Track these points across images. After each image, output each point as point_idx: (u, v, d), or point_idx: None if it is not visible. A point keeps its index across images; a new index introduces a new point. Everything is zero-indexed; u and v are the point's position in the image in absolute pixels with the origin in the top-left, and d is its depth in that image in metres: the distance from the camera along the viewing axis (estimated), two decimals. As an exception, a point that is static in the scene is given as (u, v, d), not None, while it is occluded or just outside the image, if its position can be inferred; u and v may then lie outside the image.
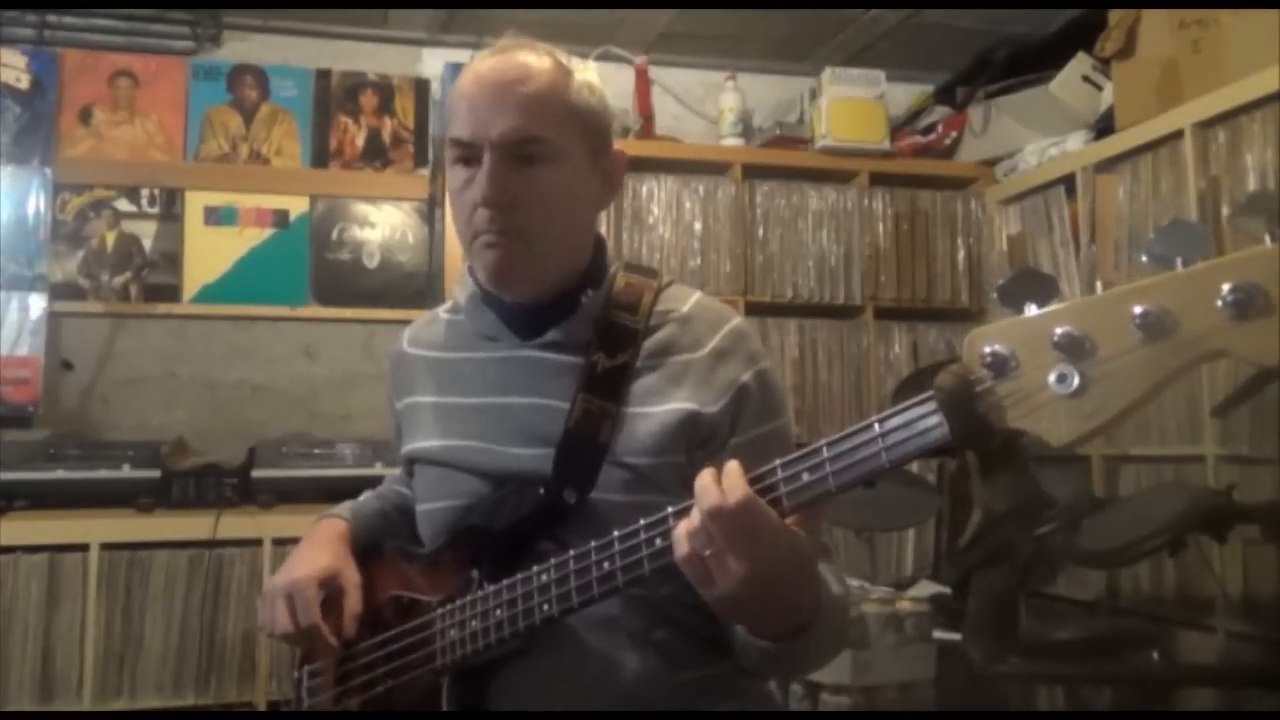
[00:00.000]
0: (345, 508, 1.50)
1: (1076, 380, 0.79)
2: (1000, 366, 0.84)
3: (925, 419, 0.88)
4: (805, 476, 0.96)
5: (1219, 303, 0.74)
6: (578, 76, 1.27)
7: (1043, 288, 0.82)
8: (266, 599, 1.35)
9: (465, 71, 1.27)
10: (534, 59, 1.25)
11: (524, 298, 1.28)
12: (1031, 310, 0.83)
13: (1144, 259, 0.78)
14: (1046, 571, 2.94)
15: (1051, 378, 0.80)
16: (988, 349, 0.84)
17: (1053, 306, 0.82)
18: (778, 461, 0.98)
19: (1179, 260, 0.76)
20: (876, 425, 0.92)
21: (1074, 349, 0.80)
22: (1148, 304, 0.77)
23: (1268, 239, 0.73)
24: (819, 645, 1.12)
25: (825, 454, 0.95)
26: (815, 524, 1.22)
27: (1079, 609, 2.95)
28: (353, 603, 1.34)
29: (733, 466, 0.98)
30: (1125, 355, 0.78)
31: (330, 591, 1.34)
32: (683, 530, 0.99)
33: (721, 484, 0.98)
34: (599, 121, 1.30)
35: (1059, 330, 0.80)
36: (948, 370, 0.87)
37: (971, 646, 2.23)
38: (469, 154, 1.23)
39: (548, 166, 1.24)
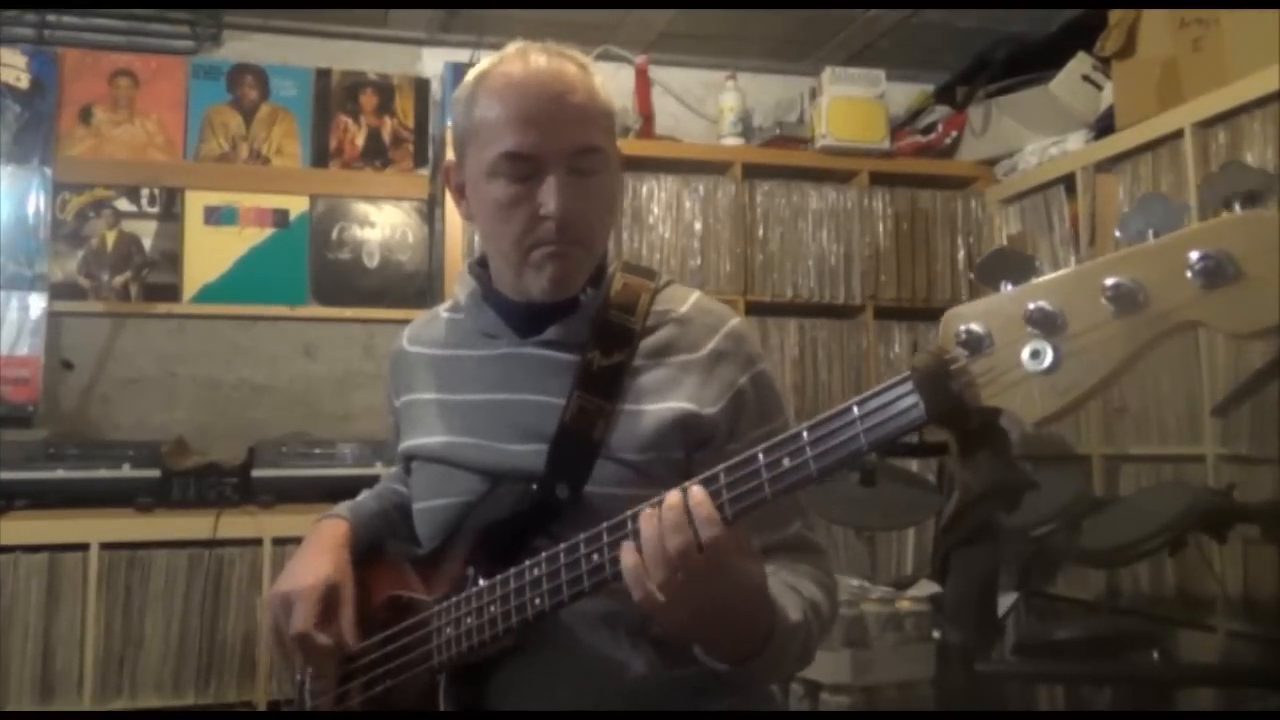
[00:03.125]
0: (345, 508, 1.50)
1: (1050, 356, 0.79)
2: (975, 345, 0.83)
3: (902, 400, 0.88)
4: (786, 462, 0.96)
5: (1188, 273, 0.74)
6: (598, 77, 1.28)
7: (1019, 266, 0.82)
8: (267, 607, 1.36)
9: (492, 80, 1.25)
10: (561, 63, 1.25)
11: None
12: (1007, 288, 0.83)
13: (1118, 234, 0.78)
14: (1046, 571, 2.94)
15: (1025, 354, 0.80)
16: (963, 328, 0.84)
17: (1026, 283, 0.82)
18: (759, 448, 0.98)
19: (1151, 233, 0.76)
20: (855, 408, 0.91)
21: (1047, 324, 0.79)
22: (1118, 276, 0.76)
23: (1237, 206, 0.73)
24: (773, 667, 1.14)
25: (805, 438, 0.95)
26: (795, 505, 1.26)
27: (1079, 609, 2.95)
28: (349, 615, 1.34)
29: (700, 496, 1.00)
30: (1098, 329, 0.77)
31: (330, 602, 1.34)
32: (636, 563, 1.01)
33: (693, 517, 0.99)
34: (615, 121, 1.33)
35: (1031, 306, 0.80)
36: (924, 350, 0.87)
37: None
38: (526, 168, 1.22)
39: (601, 174, 1.25)
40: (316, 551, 1.40)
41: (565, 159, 1.22)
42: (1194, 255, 0.73)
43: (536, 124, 1.21)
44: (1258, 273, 0.72)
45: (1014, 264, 0.82)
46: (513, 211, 1.23)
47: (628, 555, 1.02)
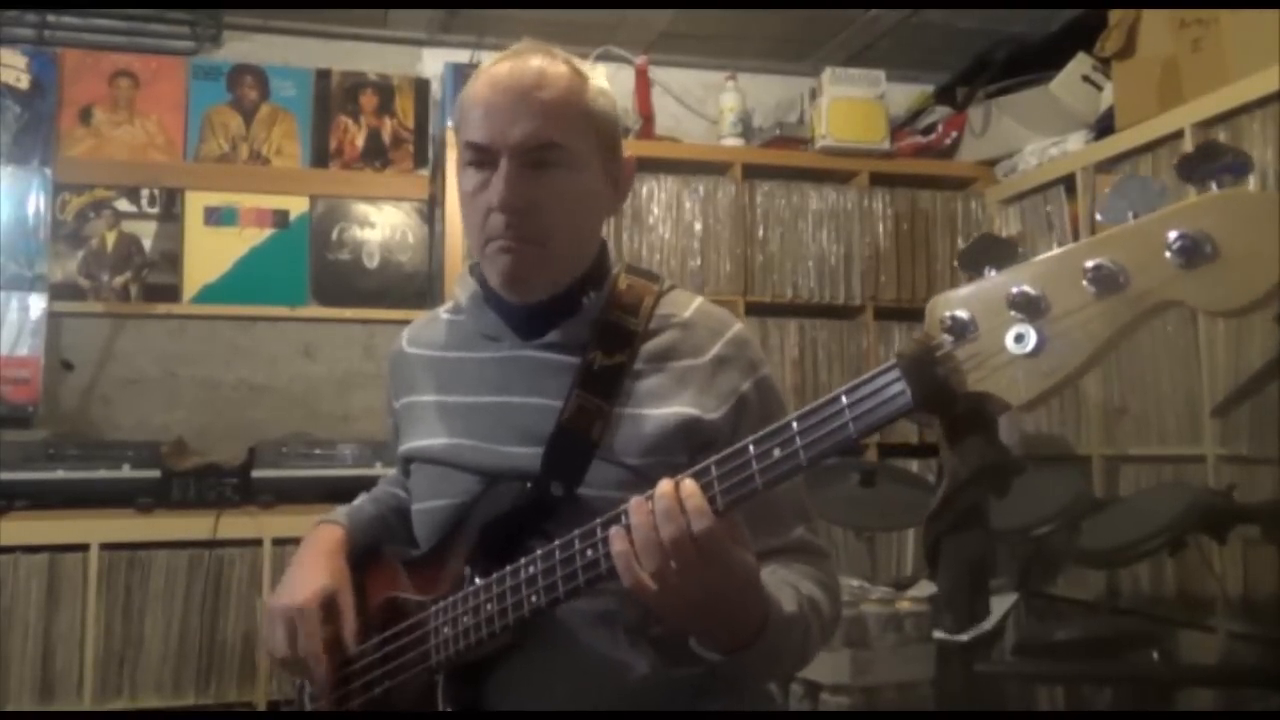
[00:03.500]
0: (341, 513, 1.50)
1: (1033, 339, 0.80)
2: (960, 330, 0.84)
3: (889, 387, 0.89)
4: (776, 452, 0.96)
5: (1167, 253, 0.74)
6: (593, 82, 1.28)
7: (1003, 252, 0.83)
8: (268, 620, 1.35)
9: (478, 74, 1.28)
10: (550, 64, 1.26)
11: (532, 300, 1.28)
12: (991, 274, 0.83)
13: (1099, 217, 0.79)
14: (1046, 571, 2.94)
15: (1009, 338, 0.81)
16: (947, 314, 0.85)
17: (1009, 268, 0.83)
18: (749, 440, 0.98)
19: (1130, 214, 0.77)
20: (843, 397, 0.92)
21: (1030, 308, 0.80)
22: (1098, 258, 0.77)
23: (1214, 186, 0.73)
24: (769, 660, 1.14)
25: (795, 428, 0.95)
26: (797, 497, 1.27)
27: (1079, 609, 2.94)
28: (349, 624, 1.35)
29: (692, 488, 1.00)
30: (1079, 311, 0.78)
31: (329, 611, 1.34)
32: (626, 549, 1.02)
33: (684, 507, 0.99)
34: (612, 128, 1.32)
35: (1014, 290, 0.80)
36: (910, 338, 0.88)
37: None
38: (484, 158, 1.23)
39: (564, 172, 1.24)
40: (312, 560, 1.40)
41: (517, 151, 1.22)
42: (1172, 235, 0.74)
43: (495, 115, 1.22)
44: (1235, 250, 0.72)
45: (997, 250, 0.83)
46: (473, 202, 1.26)
47: (617, 541, 1.02)
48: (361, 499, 1.56)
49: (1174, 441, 2.73)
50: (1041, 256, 0.81)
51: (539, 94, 1.23)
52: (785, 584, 1.18)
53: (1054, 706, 2.82)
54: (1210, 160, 0.73)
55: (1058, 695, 2.83)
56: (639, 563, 1.01)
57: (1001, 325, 0.82)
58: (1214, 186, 0.73)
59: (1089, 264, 0.77)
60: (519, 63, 1.25)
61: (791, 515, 1.27)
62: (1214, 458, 2.58)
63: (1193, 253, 0.73)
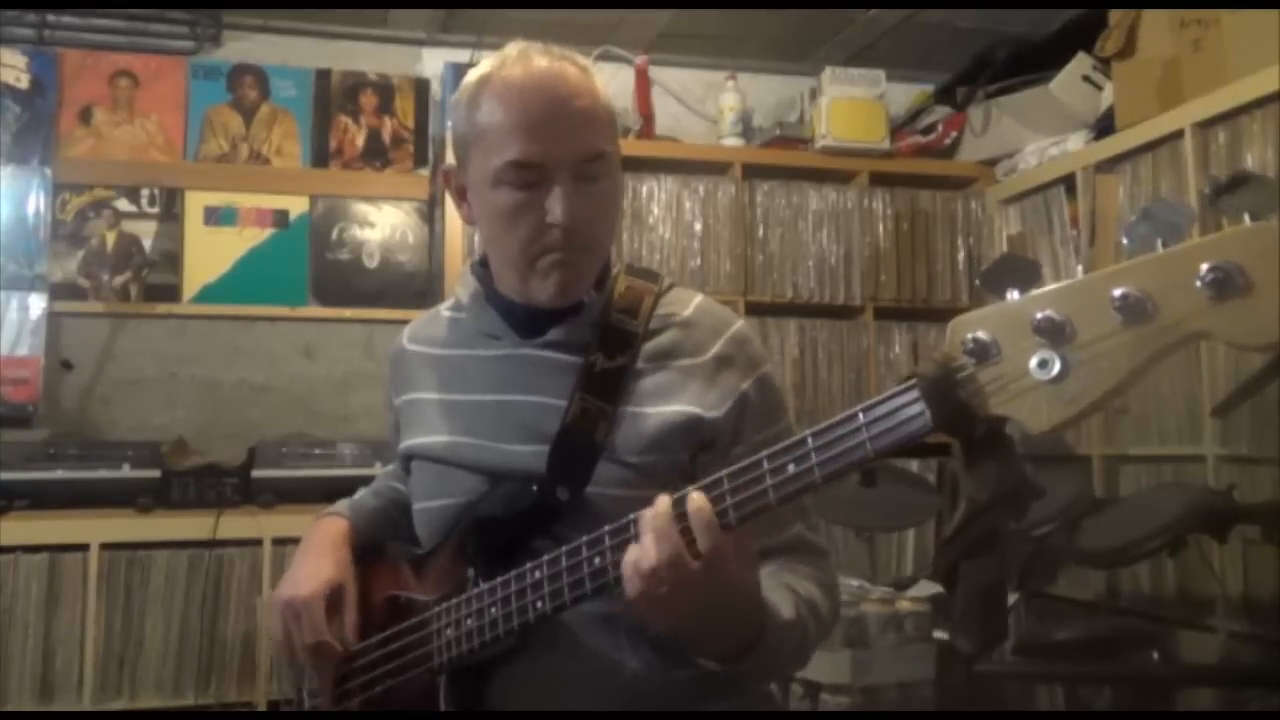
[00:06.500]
0: (344, 505, 1.49)
1: (1058, 365, 0.79)
2: (982, 353, 0.83)
3: (908, 407, 0.88)
4: (791, 468, 0.96)
5: (1198, 283, 0.73)
6: (598, 78, 1.27)
7: (1026, 273, 0.82)
8: (273, 611, 1.35)
9: (494, 84, 1.23)
10: (567, 67, 1.23)
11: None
12: (1014, 296, 0.82)
13: (1124, 241, 0.78)
14: (1046, 571, 2.94)
15: (1033, 363, 0.80)
16: (970, 335, 0.84)
17: (1034, 291, 0.81)
18: (764, 454, 0.98)
19: (1159, 242, 0.76)
20: (860, 415, 0.91)
21: (1055, 333, 0.79)
22: (1127, 286, 0.76)
23: (1247, 218, 0.72)
24: (767, 666, 1.15)
25: (810, 444, 0.94)
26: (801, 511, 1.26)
27: (1079, 609, 2.95)
28: (352, 614, 1.35)
29: (702, 501, 1.00)
30: (1106, 339, 0.77)
31: (333, 602, 1.34)
32: (635, 570, 1.01)
33: (693, 522, 1.00)
34: (617, 121, 1.32)
35: (1039, 314, 0.79)
36: (930, 358, 0.86)
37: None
38: (533, 176, 1.21)
39: (606, 179, 1.24)
40: (317, 553, 1.39)
41: (571, 166, 1.21)
42: (1204, 266, 0.73)
43: (542, 131, 1.20)
44: (1267, 285, 0.71)
45: (1019, 271, 0.82)
46: (518, 219, 1.22)
47: (627, 555, 1.03)
48: (361, 492, 1.55)
49: (1174, 441, 2.73)
50: (1067, 282, 0.79)
51: (576, 103, 1.21)
52: (782, 587, 1.18)
53: (1054, 706, 2.82)
54: (1241, 189, 0.72)
55: (1058, 695, 2.83)
56: (642, 576, 1.01)
57: (1025, 350, 0.81)
58: (1246, 218, 0.72)
59: (1117, 292, 0.76)
60: (542, 70, 1.22)
61: (791, 513, 1.26)
62: (1214, 458, 2.58)
63: (1224, 285, 0.72)
